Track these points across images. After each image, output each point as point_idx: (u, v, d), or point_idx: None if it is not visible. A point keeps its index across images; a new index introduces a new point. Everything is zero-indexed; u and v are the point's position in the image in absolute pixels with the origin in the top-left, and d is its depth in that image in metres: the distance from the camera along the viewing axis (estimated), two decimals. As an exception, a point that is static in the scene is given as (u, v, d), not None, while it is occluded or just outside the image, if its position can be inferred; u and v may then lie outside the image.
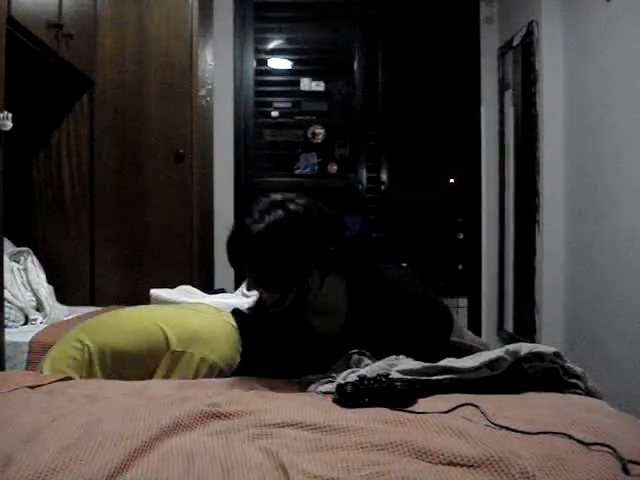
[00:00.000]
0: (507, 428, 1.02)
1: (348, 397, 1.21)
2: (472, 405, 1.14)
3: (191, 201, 3.19)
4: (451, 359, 1.37)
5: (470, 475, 0.87)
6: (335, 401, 1.23)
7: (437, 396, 1.25)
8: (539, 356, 1.32)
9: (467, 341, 1.56)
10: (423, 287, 1.51)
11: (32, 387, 1.38)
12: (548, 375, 1.31)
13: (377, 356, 1.41)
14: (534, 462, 0.88)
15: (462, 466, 0.89)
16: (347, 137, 4.13)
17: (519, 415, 1.10)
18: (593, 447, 0.94)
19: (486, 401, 1.17)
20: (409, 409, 1.16)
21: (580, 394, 1.29)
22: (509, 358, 1.29)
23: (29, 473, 0.87)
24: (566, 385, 1.31)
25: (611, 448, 0.92)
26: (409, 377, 1.28)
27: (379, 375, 1.25)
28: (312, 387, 1.38)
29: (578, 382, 1.31)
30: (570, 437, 0.97)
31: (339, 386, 1.25)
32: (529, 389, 1.28)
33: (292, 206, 1.40)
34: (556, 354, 1.33)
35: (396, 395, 1.20)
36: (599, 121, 2.96)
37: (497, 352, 1.31)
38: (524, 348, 1.31)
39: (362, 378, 1.25)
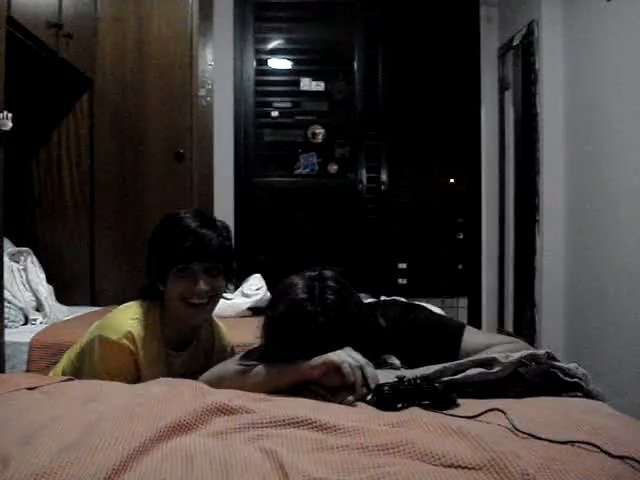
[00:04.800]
0: (533, 436, 0.99)
1: (386, 398, 1.17)
2: (499, 410, 1.10)
3: (191, 201, 3.19)
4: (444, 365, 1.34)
5: (471, 478, 0.87)
6: (373, 403, 1.19)
7: (465, 400, 1.22)
8: (534, 359, 1.29)
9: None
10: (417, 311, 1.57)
11: (31, 388, 1.38)
12: (546, 378, 1.29)
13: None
14: (535, 464, 0.88)
15: (463, 468, 0.88)
16: (347, 137, 4.13)
17: (547, 420, 1.07)
18: (592, 449, 0.94)
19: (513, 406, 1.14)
20: (447, 412, 1.13)
21: (579, 396, 1.28)
22: (504, 360, 1.26)
23: (26, 474, 0.87)
24: (566, 386, 1.29)
25: (612, 451, 0.92)
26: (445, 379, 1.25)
27: (417, 377, 1.21)
28: None
29: (580, 382, 1.29)
30: (598, 448, 0.94)
31: (376, 387, 1.21)
32: (528, 394, 1.26)
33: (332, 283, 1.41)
34: (549, 355, 1.31)
35: (436, 397, 1.16)
36: (599, 121, 2.96)
37: (491, 355, 1.29)
38: (517, 353, 1.29)
39: (401, 379, 1.21)
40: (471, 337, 1.47)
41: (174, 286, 1.53)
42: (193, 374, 1.63)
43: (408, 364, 1.43)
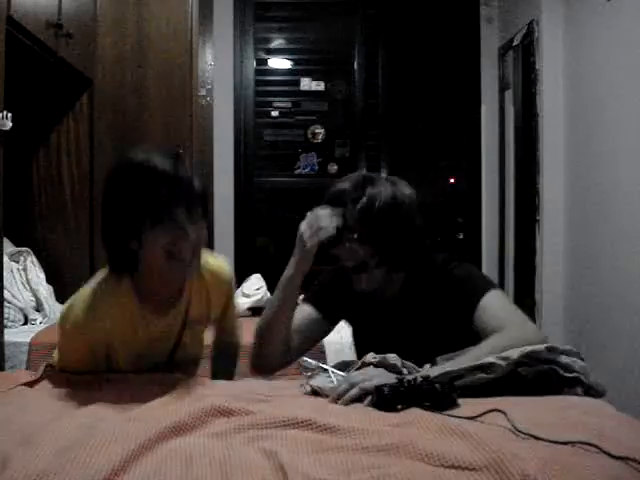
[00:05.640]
0: (533, 436, 0.99)
1: (386, 399, 1.16)
2: (499, 411, 1.09)
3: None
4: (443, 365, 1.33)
5: (471, 478, 0.86)
6: (373, 404, 1.18)
7: (465, 400, 1.21)
8: (534, 357, 1.28)
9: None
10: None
11: (30, 385, 1.38)
12: (544, 376, 1.26)
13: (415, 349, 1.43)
14: (536, 465, 0.88)
15: (464, 469, 0.88)
16: (347, 137, 4.13)
17: (545, 420, 1.07)
18: (593, 449, 0.94)
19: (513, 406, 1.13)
20: (447, 413, 1.12)
21: (580, 394, 1.27)
22: (502, 363, 1.25)
23: (26, 474, 0.87)
24: (566, 382, 1.27)
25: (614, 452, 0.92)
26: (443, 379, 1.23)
27: (418, 377, 1.20)
28: (314, 380, 1.34)
29: (579, 376, 1.27)
30: (599, 448, 0.93)
31: (376, 388, 1.19)
32: (526, 392, 1.24)
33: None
34: (549, 349, 1.29)
35: (436, 398, 1.15)
36: (599, 121, 2.96)
37: (489, 359, 1.28)
38: (516, 352, 1.27)
39: (401, 380, 1.19)
40: (490, 303, 1.46)
41: (156, 241, 1.30)
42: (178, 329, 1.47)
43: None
